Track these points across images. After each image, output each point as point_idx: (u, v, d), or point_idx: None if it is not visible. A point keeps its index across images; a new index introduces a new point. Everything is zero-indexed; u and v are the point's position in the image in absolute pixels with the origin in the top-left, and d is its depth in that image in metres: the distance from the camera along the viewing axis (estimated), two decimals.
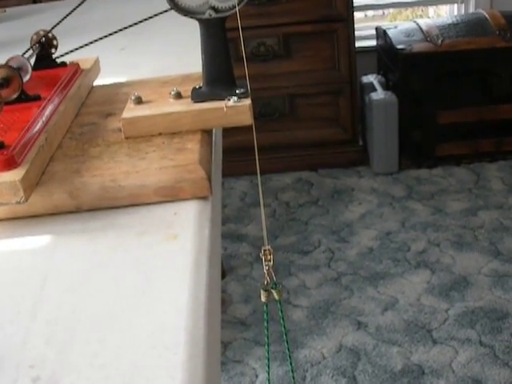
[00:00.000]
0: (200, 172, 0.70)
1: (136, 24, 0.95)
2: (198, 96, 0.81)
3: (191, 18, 0.79)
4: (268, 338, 0.88)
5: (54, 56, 0.98)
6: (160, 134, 0.79)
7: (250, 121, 0.79)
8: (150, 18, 0.92)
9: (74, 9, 0.89)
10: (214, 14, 0.78)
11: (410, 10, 4.35)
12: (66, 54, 0.99)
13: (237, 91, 0.80)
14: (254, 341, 2.31)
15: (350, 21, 3.22)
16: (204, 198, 0.71)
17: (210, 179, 0.70)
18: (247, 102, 0.79)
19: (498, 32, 3.20)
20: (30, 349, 0.51)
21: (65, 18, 0.91)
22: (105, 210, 0.70)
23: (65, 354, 0.50)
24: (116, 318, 0.54)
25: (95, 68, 1.05)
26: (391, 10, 4.33)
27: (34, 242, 0.67)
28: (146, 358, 0.49)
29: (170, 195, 0.70)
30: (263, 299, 0.78)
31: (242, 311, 2.46)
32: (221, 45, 0.81)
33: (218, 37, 0.81)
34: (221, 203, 0.91)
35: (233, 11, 0.78)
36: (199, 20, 0.79)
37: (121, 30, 0.96)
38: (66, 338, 0.52)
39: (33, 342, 0.52)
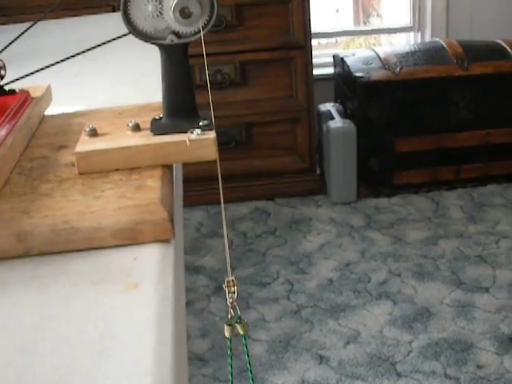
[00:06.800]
0: (162, 213, 0.64)
1: (91, 49, 0.89)
2: (158, 128, 0.76)
3: (151, 43, 0.73)
4: (232, 375, 0.82)
5: (1, 83, 0.92)
6: (117, 169, 0.72)
7: (215, 155, 0.73)
8: (107, 42, 0.86)
9: (23, 32, 0.82)
10: (176, 40, 0.73)
11: (362, 38, 4.35)
12: (16, 80, 0.93)
13: (200, 123, 0.75)
14: (212, 377, 2.24)
15: (308, 48, 3.19)
16: (166, 241, 0.64)
17: (172, 220, 0.64)
18: (211, 135, 0.74)
19: (455, 61, 3.20)
20: None
21: (13, 41, 0.85)
22: (57, 255, 0.64)
23: None
24: (70, 382, 0.47)
25: (47, 96, 0.98)
26: (344, 38, 4.33)
27: None
28: None
29: (129, 238, 0.63)
30: (227, 335, 0.72)
31: (200, 346, 2.39)
32: (183, 73, 0.76)
33: (179, 64, 0.75)
34: (183, 244, 0.85)
35: (197, 37, 0.73)
36: (160, 46, 0.74)
37: (75, 55, 0.90)
38: None
39: None
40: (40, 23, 0.96)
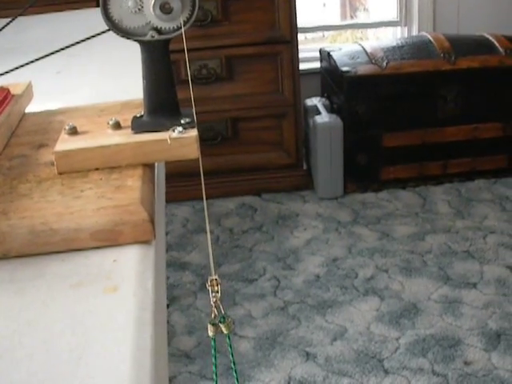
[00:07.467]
0: (142, 213, 0.62)
1: (73, 45, 0.87)
2: (138, 126, 0.74)
3: (132, 39, 0.71)
4: (217, 375, 0.81)
5: None
6: (97, 168, 0.71)
7: (197, 154, 0.72)
8: (88, 38, 0.84)
9: (2, 28, 0.81)
10: (156, 36, 0.71)
11: (349, 32, 4.34)
12: None
13: (182, 121, 0.73)
14: (199, 374, 2.22)
15: (294, 43, 3.18)
16: (147, 243, 0.63)
17: (152, 221, 0.63)
18: (193, 133, 0.72)
19: (442, 55, 3.19)
20: None
21: None
22: (35, 257, 0.62)
23: None
24: None
25: (27, 93, 0.96)
26: (331, 33, 4.31)
27: None
28: None
29: (109, 240, 0.62)
30: (210, 334, 0.70)
31: (187, 343, 2.37)
32: (164, 70, 0.74)
33: (160, 61, 0.73)
34: (165, 246, 0.84)
35: (177, 33, 0.71)
36: (140, 42, 0.72)
37: (56, 51, 0.88)
38: None
39: None
40: (23, 18, 0.95)
